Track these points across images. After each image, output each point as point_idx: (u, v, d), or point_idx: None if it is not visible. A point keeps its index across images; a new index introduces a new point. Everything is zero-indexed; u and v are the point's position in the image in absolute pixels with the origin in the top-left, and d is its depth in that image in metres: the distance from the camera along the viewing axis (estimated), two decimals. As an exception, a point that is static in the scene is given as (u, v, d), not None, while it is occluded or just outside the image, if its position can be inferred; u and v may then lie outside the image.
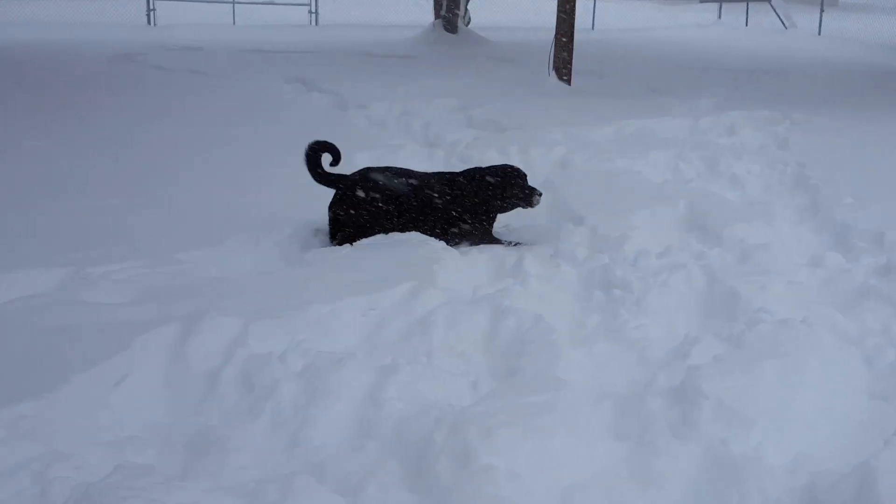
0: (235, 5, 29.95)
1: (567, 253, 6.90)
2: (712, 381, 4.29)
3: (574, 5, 15.80)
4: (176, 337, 5.00)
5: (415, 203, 7.11)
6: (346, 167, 7.21)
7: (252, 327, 5.12)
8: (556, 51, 15.76)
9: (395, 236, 6.91)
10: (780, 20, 30.64)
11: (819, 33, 28.35)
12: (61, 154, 9.75)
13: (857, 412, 4.42)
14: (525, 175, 7.40)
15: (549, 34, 16.39)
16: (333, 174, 7.15)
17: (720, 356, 4.68)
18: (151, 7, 27.85)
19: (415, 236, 6.86)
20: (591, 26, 30.80)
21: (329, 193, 7.06)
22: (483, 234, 7.28)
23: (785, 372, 4.41)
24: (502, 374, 5.02)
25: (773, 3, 31.36)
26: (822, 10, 28.80)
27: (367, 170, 7.26)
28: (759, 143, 11.08)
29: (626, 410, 4.34)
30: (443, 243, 6.80)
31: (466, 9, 24.97)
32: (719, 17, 34.34)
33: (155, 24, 27.53)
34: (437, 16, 24.19)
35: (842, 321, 5.32)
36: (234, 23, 29.09)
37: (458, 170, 7.72)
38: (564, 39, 15.62)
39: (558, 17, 15.75)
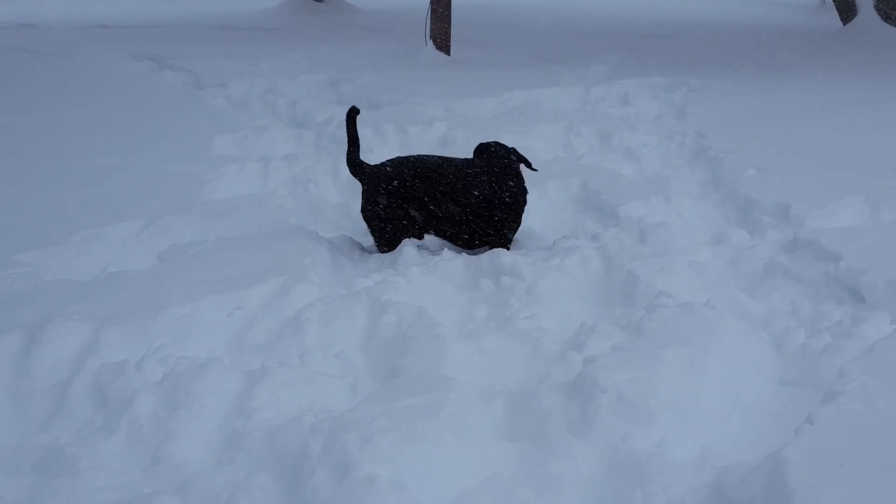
0: (73, -25, 29.40)
1: (451, 239, 6.93)
2: (611, 373, 4.32)
3: (450, -32, 15.82)
4: (18, 348, 4.91)
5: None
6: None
7: (103, 333, 5.05)
8: (432, 18, 15.74)
9: (263, 227, 6.87)
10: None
11: (715, -9, 28.83)
12: None
13: (766, 400, 4.48)
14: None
15: (424, 0, 16.39)
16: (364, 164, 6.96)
17: (619, 345, 4.72)
18: (-27, -21, 27.26)
19: (282, 227, 6.83)
20: (470, -10, 30.88)
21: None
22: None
23: (688, 360, 4.46)
24: (383, 375, 5.01)
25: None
26: (718, -32, 29.25)
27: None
28: (655, 112, 11.26)
29: (519, 408, 4.37)
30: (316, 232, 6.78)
31: (333, -26, 24.86)
32: (608, -24, 34.49)
33: (-22, -1, 26.97)
34: (301, -18, 24.02)
35: (748, 303, 5.41)
36: (72, -6, 28.61)
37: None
38: (441, 6, 15.61)
39: (434, -18, 15.76)
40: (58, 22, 20.16)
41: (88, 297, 5.58)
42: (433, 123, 10.08)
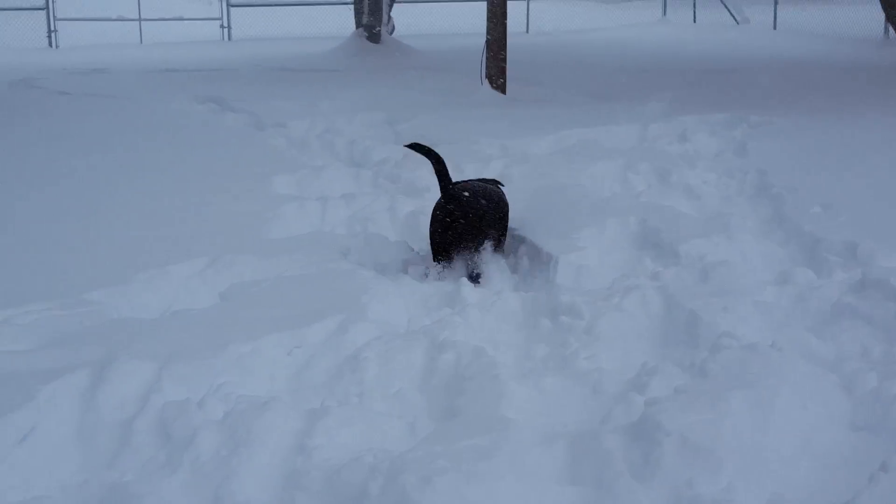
0: (142, 23, 30.28)
1: (508, 278, 6.88)
2: (674, 416, 4.25)
3: (505, 8, 15.80)
4: (86, 385, 4.93)
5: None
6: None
7: (167, 371, 5.05)
8: (488, 57, 15.78)
9: (321, 266, 6.87)
10: (732, 15, 30.99)
11: (774, 27, 28.70)
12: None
13: (837, 446, 4.37)
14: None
15: (480, 40, 16.43)
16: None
17: (682, 387, 4.65)
18: (52, 28, 28.31)
19: (340, 265, 6.82)
20: (525, 29, 31.07)
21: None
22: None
23: (755, 403, 4.37)
24: (441, 415, 4.98)
25: (722, -4, 31.71)
26: (776, 3, 29.10)
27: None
28: (715, 149, 11.14)
29: (580, 451, 4.30)
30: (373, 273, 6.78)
31: (390, 16, 24.98)
32: (664, 13, 34.03)
33: (57, 47, 27.98)
34: (358, 24, 24.16)
35: (816, 344, 5.31)
36: (140, 41, 29.27)
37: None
38: (497, 45, 15.64)
39: (489, 21, 15.78)
40: (127, 67, 20.41)
41: (153, 335, 5.60)
42: (490, 162, 10.05)
